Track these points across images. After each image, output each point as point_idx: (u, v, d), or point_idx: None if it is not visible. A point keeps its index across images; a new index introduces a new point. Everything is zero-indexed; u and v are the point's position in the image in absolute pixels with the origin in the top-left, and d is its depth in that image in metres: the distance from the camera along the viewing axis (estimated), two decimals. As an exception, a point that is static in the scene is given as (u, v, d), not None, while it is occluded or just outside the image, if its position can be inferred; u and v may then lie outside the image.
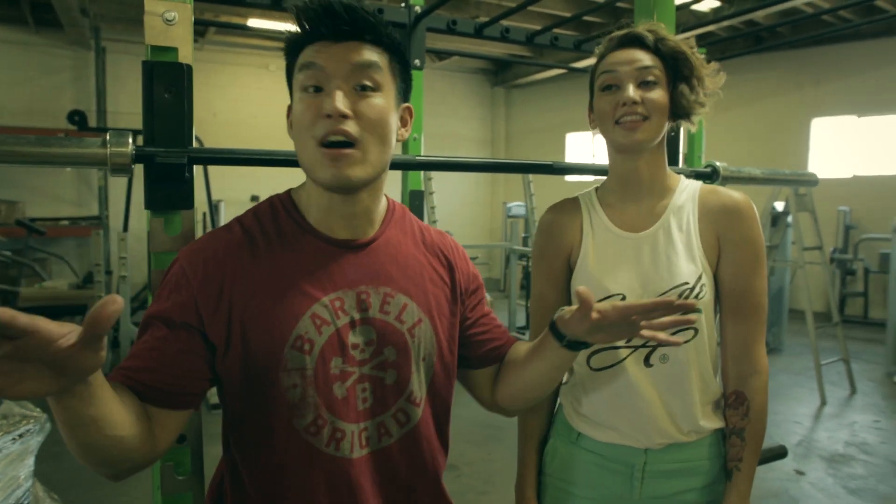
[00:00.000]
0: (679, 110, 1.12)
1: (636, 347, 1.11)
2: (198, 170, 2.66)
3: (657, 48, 1.10)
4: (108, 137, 0.99)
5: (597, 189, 1.24)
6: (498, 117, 11.74)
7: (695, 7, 6.42)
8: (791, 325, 6.54)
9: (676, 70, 1.10)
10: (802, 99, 8.16)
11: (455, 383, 1.06)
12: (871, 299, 7.59)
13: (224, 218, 6.58)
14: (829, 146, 8.09)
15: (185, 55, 1.07)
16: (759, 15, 6.60)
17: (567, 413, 1.22)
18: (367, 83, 0.86)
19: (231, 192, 8.02)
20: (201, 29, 8.05)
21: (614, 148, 1.15)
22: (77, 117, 6.46)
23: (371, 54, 0.87)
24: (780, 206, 5.46)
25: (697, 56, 1.11)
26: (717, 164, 1.57)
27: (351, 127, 0.84)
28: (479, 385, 1.10)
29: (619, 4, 3.77)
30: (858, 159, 7.90)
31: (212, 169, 6.92)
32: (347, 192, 0.90)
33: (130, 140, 1.00)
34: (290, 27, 0.90)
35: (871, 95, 7.61)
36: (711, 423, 1.14)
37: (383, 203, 1.00)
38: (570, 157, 10.71)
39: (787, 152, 8.24)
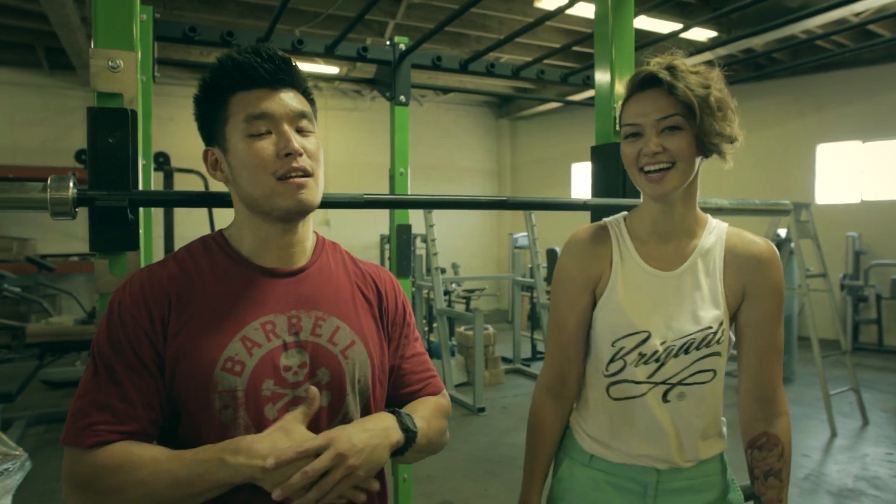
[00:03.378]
0: (706, 149, 1.10)
1: (656, 384, 1.13)
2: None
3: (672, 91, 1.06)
4: (48, 181, 1.01)
5: (624, 218, 1.23)
6: (504, 149, 11.82)
7: (693, 37, 6.48)
8: (802, 353, 6.41)
9: (695, 110, 1.07)
10: (805, 125, 8.13)
11: None
12: (885, 326, 7.42)
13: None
14: (835, 172, 8.03)
15: (131, 100, 1.09)
16: (755, 42, 6.63)
17: (579, 436, 1.23)
18: (305, 126, 0.97)
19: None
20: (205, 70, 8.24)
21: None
22: (84, 156, 6.60)
23: (304, 103, 0.99)
24: (783, 232, 5.39)
25: (717, 92, 1.08)
26: (682, 195, 1.55)
27: (306, 162, 0.95)
28: None
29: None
30: (866, 184, 7.83)
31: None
32: (298, 218, 0.98)
33: (71, 184, 1.02)
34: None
35: (874, 121, 7.57)
36: (708, 453, 1.18)
37: (313, 237, 1.06)
38: (577, 186, 10.73)
39: (792, 179, 8.18)
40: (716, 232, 1.18)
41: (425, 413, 1.04)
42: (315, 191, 0.96)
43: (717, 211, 1.60)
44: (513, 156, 11.85)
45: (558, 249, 7.70)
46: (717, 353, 1.13)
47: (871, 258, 7.47)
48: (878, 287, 7.31)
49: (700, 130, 1.07)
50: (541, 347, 7.00)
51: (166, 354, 0.90)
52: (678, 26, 2.95)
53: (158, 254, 5.91)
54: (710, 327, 1.12)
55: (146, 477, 0.82)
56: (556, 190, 10.83)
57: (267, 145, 0.93)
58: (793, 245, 4.96)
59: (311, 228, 1.05)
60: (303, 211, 0.97)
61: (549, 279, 6.38)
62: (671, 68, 1.08)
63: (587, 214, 1.56)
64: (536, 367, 6.59)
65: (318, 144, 0.98)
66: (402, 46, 2.87)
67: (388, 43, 2.92)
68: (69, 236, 8.10)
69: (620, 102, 1.17)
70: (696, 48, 6.31)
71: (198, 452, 0.85)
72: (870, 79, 7.50)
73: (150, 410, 0.88)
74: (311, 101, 1.02)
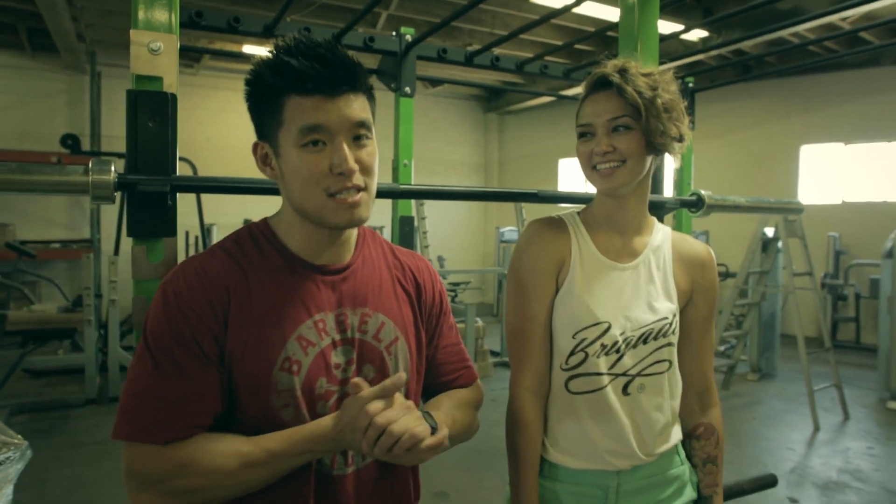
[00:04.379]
0: (655, 147, 1.13)
1: (616, 375, 1.14)
2: (189, 195, 2.62)
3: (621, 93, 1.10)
4: (90, 165, 0.99)
5: (579, 213, 1.25)
6: (491, 143, 11.83)
7: (683, 37, 6.54)
8: (783, 350, 6.54)
9: (641, 111, 1.10)
10: (791, 127, 8.28)
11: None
12: (862, 324, 7.61)
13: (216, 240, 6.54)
14: (818, 173, 8.19)
15: (170, 84, 1.07)
16: (746, 45, 6.73)
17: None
18: (363, 135, 0.92)
19: (223, 217, 8.01)
20: (196, 55, 8.11)
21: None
22: (70, 141, 6.44)
23: (363, 108, 0.92)
24: (769, 231, 5.49)
25: (665, 94, 1.11)
26: (703, 192, 1.58)
27: (359, 179, 0.91)
28: None
29: (610, 33, 3.83)
30: (847, 186, 8.00)
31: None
32: (348, 231, 0.98)
33: (112, 168, 1.00)
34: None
35: (857, 123, 7.73)
36: (664, 447, 1.20)
37: (355, 229, 1.04)
38: (563, 182, 10.79)
39: (776, 179, 8.32)
40: (662, 232, 1.24)
41: (449, 408, 1.04)
42: (367, 205, 0.93)
43: (735, 208, 1.62)
44: (500, 150, 11.88)
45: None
46: (671, 344, 1.18)
47: (850, 258, 7.65)
48: (858, 286, 7.49)
49: (646, 130, 1.10)
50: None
51: (226, 348, 0.88)
52: (673, 25, 2.99)
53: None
54: (666, 318, 1.16)
55: (235, 470, 0.83)
56: (543, 185, 10.82)
57: (321, 159, 0.89)
58: (780, 244, 5.05)
59: None
60: (353, 226, 0.96)
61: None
62: (623, 71, 1.11)
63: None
64: (524, 361, 6.62)
65: (373, 153, 0.94)
66: (409, 38, 2.87)
67: (393, 34, 2.91)
68: (49, 223, 7.93)
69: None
70: (687, 48, 6.38)
71: (291, 443, 0.87)
72: (854, 82, 7.65)
73: (216, 403, 0.87)
74: (372, 99, 0.96)
